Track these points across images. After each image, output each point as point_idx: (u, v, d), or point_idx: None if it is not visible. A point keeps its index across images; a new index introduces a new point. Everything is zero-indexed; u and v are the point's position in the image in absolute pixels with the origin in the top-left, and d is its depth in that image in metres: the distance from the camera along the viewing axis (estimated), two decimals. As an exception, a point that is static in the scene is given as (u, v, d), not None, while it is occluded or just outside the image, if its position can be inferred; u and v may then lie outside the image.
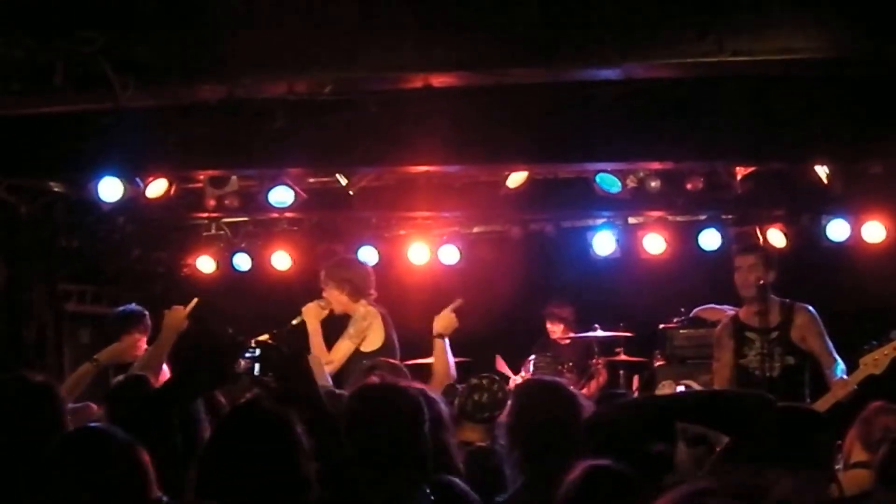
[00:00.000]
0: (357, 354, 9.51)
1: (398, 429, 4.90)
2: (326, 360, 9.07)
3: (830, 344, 8.80)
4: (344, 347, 9.44)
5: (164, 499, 4.27)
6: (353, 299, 9.71)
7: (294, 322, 9.33)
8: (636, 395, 11.47)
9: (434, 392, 5.83)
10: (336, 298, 9.70)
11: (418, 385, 5.60)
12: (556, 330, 12.65)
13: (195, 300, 7.64)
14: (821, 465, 5.22)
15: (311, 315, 9.50)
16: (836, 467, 6.26)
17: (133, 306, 9.25)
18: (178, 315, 7.61)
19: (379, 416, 4.92)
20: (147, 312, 9.03)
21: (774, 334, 8.79)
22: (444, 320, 8.62)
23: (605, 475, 4.19)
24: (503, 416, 6.15)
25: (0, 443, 4.73)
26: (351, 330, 9.52)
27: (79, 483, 4.04)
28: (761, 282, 8.75)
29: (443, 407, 5.60)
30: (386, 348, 9.57)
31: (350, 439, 4.82)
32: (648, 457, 4.80)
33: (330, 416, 4.76)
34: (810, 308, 8.93)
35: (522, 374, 11.55)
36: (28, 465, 4.32)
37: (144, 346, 8.64)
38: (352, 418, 4.96)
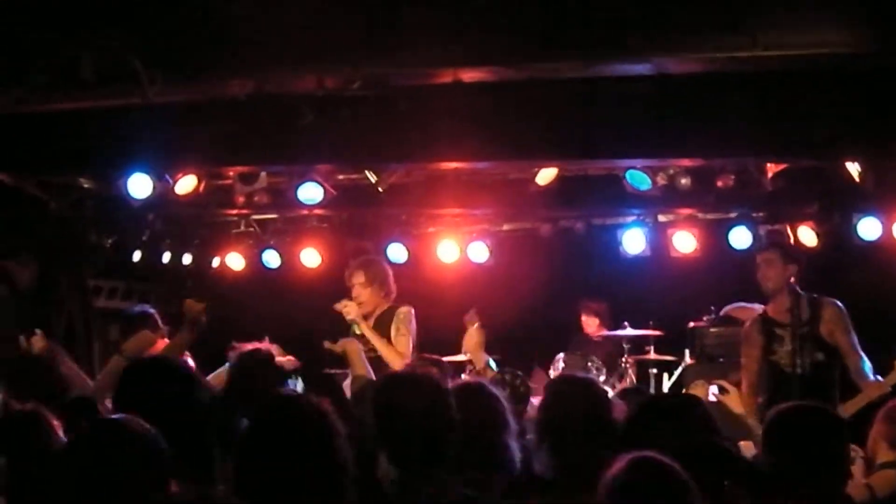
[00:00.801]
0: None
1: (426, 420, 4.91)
2: (402, 358, 9.19)
3: (857, 341, 8.76)
4: (407, 343, 9.53)
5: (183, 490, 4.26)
6: (387, 299, 9.85)
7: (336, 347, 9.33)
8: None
9: (497, 390, 5.80)
10: (371, 297, 9.81)
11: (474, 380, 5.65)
12: (590, 323, 12.62)
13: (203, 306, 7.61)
14: (835, 465, 5.20)
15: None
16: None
17: (143, 307, 9.30)
18: (197, 308, 7.57)
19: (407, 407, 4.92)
20: (153, 312, 9.10)
21: (803, 330, 8.74)
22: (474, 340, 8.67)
23: (649, 467, 4.14)
24: (533, 412, 6.13)
25: None
26: (403, 328, 9.66)
27: (95, 474, 4.03)
28: (785, 278, 8.77)
29: (501, 404, 5.57)
30: (415, 347, 9.67)
31: (381, 431, 4.88)
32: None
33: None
34: (838, 303, 8.89)
35: (551, 371, 11.52)
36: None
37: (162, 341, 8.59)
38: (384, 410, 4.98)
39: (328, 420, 4.27)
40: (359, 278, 9.83)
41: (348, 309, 9.51)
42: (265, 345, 7.69)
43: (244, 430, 4.38)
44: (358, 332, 9.46)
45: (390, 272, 10.07)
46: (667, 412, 5.29)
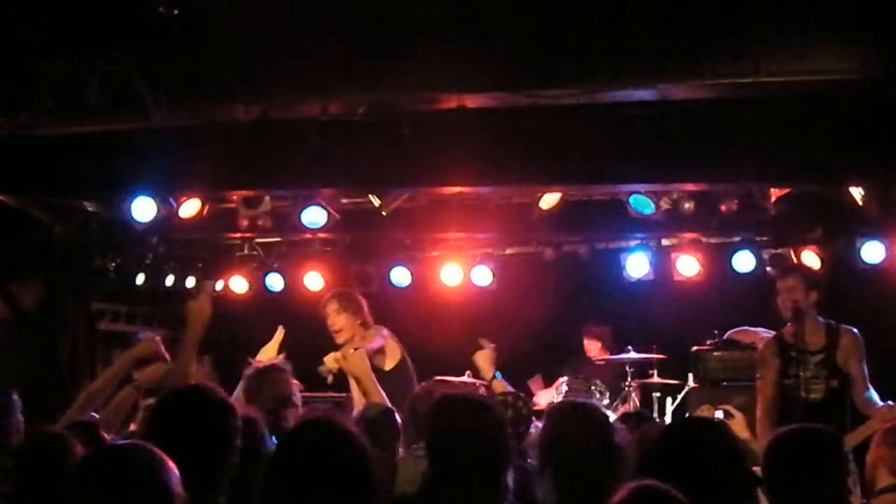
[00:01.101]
0: (378, 373, 9.65)
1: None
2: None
3: (866, 371, 8.77)
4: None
5: None
6: (364, 326, 10.16)
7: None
8: (669, 417, 11.43)
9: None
10: (348, 323, 10.16)
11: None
12: (592, 348, 12.61)
13: (210, 283, 7.55)
14: (836, 486, 5.21)
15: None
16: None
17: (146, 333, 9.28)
18: (201, 307, 7.45)
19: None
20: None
21: (819, 357, 8.75)
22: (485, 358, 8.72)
23: (652, 495, 4.13)
24: (535, 436, 6.11)
25: None
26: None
27: (104, 500, 4.03)
28: (799, 305, 8.73)
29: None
30: (403, 363, 9.84)
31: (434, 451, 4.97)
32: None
33: None
34: (855, 331, 8.90)
35: (555, 395, 11.51)
36: None
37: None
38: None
39: (359, 441, 4.28)
40: (332, 307, 10.05)
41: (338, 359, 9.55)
42: (280, 360, 7.75)
43: (274, 452, 4.38)
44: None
45: (363, 301, 10.21)
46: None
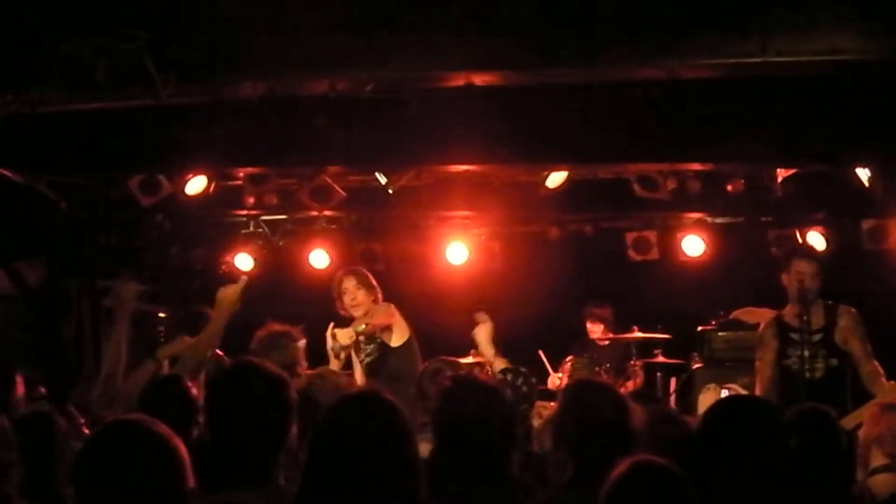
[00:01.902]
0: (386, 349, 9.76)
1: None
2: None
3: (870, 348, 8.76)
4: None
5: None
6: (376, 302, 10.19)
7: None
8: (673, 397, 11.46)
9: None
10: (365, 299, 10.14)
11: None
12: (595, 330, 12.62)
13: (245, 278, 7.58)
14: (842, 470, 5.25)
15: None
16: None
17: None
18: (232, 295, 7.51)
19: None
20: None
21: (818, 336, 8.74)
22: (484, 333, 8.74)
23: (650, 470, 4.15)
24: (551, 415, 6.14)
25: None
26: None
27: (113, 475, 4.05)
28: (809, 295, 8.72)
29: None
30: (410, 340, 10.02)
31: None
32: None
33: None
34: (854, 310, 8.88)
35: (560, 375, 11.55)
36: None
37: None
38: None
39: (401, 416, 4.30)
40: (351, 282, 10.07)
41: (342, 334, 9.68)
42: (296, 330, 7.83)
43: (317, 428, 4.39)
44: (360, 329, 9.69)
45: (373, 279, 10.39)
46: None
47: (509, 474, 4.99)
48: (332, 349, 9.58)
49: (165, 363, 7.83)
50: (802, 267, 8.85)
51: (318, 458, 4.22)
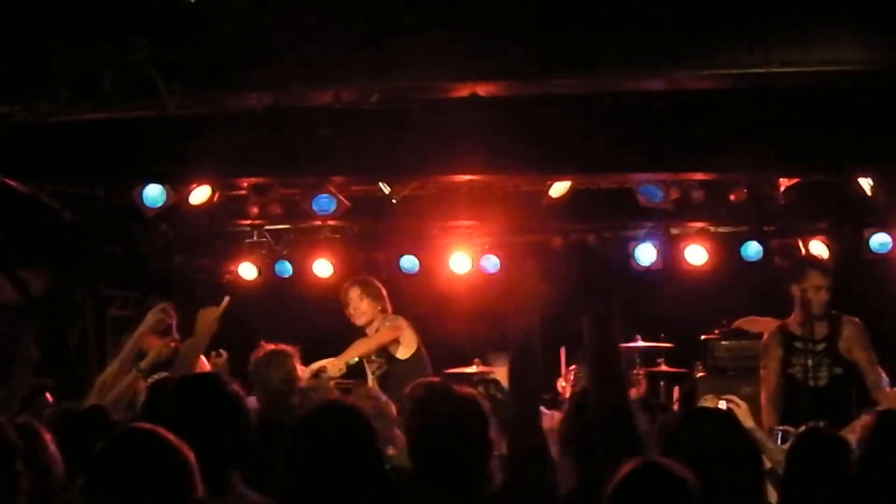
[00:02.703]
0: (393, 362, 9.79)
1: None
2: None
3: (874, 357, 8.78)
4: (370, 343, 10.21)
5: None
6: (384, 312, 10.32)
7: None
8: (676, 406, 11.46)
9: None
10: (370, 309, 10.32)
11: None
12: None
13: (227, 299, 7.57)
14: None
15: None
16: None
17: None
18: (211, 316, 7.53)
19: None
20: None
21: (822, 345, 8.77)
22: None
23: (655, 472, 4.15)
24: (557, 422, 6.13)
25: None
26: (382, 331, 10.26)
27: (124, 483, 4.08)
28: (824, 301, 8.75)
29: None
30: (419, 352, 9.90)
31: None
32: None
33: None
34: (857, 320, 8.90)
35: (563, 383, 11.57)
36: None
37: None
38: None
39: (367, 423, 4.32)
40: (355, 292, 10.14)
41: (325, 369, 9.70)
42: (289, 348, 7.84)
43: (289, 436, 4.41)
44: (352, 362, 9.75)
45: (383, 289, 10.45)
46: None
47: (487, 482, 4.88)
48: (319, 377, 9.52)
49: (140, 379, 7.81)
50: (817, 280, 8.86)
51: (289, 467, 4.26)
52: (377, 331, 10.14)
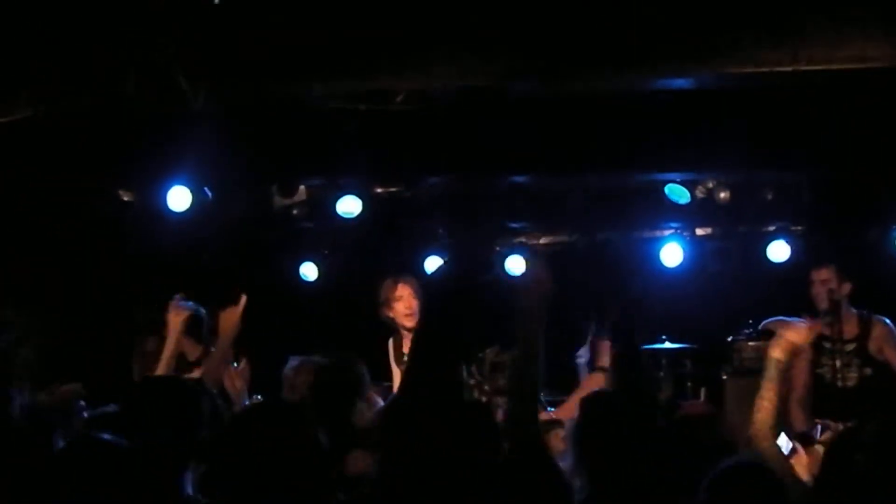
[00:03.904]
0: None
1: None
2: None
3: None
4: None
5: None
6: None
7: None
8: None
9: None
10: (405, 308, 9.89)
11: None
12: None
13: (244, 298, 7.51)
14: None
15: None
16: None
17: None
18: (233, 317, 7.49)
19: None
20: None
21: (852, 346, 8.76)
22: None
23: (750, 472, 4.12)
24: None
25: None
26: None
27: (77, 492, 4.12)
28: (834, 296, 8.73)
29: None
30: None
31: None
32: None
33: None
34: (887, 320, 8.89)
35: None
36: None
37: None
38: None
39: (301, 422, 4.28)
40: (408, 290, 9.89)
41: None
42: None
43: (215, 436, 4.39)
44: None
45: None
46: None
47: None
48: None
49: None
50: (816, 275, 9.06)
51: (216, 467, 4.25)
52: None
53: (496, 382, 7.83)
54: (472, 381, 7.90)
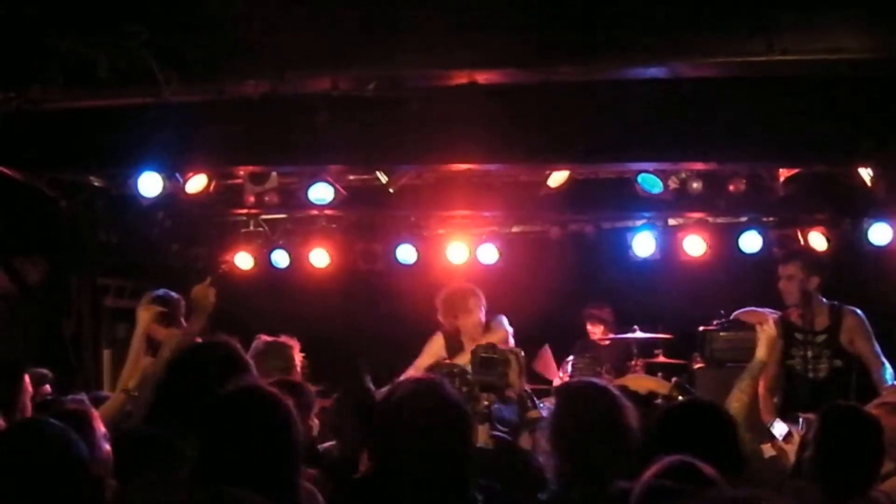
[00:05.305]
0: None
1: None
2: None
3: (878, 347, 8.78)
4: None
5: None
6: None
7: None
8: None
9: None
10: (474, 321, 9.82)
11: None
12: (595, 331, 12.60)
13: (208, 279, 7.41)
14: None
15: None
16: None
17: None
18: (205, 290, 7.37)
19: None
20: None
21: (822, 337, 8.79)
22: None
23: (684, 471, 4.11)
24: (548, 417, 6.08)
25: None
26: None
27: (14, 476, 4.14)
28: (804, 289, 8.77)
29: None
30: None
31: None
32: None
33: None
34: (858, 311, 8.92)
35: (561, 374, 11.53)
36: None
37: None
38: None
39: (283, 407, 4.26)
40: (473, 301, 9.77)
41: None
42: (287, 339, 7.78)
43: (204, 418, 4.35)
44: None
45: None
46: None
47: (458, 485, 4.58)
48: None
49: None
50: (783, 270, 9.21)
51: (204, 450, 4.21)
52: (493, 331, 9.72)
53: (484, 378, 7.77)
54: (458, 376, 7.82)
